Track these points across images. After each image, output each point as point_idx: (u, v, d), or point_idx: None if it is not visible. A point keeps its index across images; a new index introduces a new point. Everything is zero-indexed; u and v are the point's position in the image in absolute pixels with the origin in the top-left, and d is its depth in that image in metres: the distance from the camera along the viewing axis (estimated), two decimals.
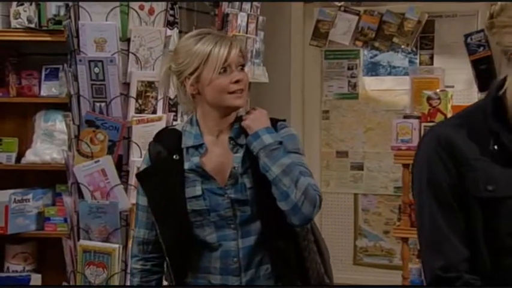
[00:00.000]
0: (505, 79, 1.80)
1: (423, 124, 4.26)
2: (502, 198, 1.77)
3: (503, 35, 1.74)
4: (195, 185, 2.41)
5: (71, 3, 3.48)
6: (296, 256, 2.46)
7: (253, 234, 2.42)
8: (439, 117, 4.23)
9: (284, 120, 2.54)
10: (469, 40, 5.03)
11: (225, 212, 2.41)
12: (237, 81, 2.40)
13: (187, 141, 2.45)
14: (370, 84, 5.53)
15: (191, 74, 2.41)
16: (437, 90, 4.31)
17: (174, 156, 2.43)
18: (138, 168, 3.36)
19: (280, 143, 2.40)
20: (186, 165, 2.42)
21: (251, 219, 2.41)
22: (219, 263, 2.42)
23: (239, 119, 2.47)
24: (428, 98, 4.26)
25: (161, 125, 3.49)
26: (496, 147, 1.79)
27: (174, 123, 3.59)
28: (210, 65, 2.38)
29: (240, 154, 2.43)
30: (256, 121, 2.43)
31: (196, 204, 2.40)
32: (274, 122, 2.49)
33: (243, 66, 2.45)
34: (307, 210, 2.35)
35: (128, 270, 3.41)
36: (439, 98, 4.24)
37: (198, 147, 2.44)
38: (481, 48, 5.00)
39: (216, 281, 2.44)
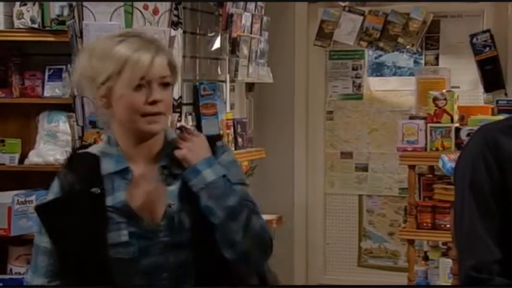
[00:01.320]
0: None
1: (429, 125, 4.25)
2: None
3: None
4: (120, 228, 1.94)
5: (74, 3, 3.46)
6: None
7: (189, 283, 1.98)
8: (446, 118, 4.22)
9: (220, 138, 2.12)
10: (474, 40, 5.02)
11: (156, 258, 1.96)
12: (153, 102, 1.91)
13: (108, 167, 1.98)
14: (374, 85, 5.51)
15: (103, 83, 1.92)
16: (444, 91, 4.29)
17: (93, 190, 1.94)
18: None
19: (224, 176, 1.96)
20: (109, 201, 1.95)
21: (187, 265, 1.97)
22: None
23: (170, 144, 2.00)
24: (435, 99, 4.24)
25: None
26: None
27: (178, 124, 3.55)
28: (125, 76, 1.90)
29: (176, 187, 1.98)
30: (194, 151, 1.97)
31: (122, 252, 1.94)
32: (212, 142, 2.03)
33: (168, 84, 1.96)
34: (257, 257, 1.98)
35: None
36: (445, 99, 4.22)
37: (122, 173, 1.97)
38: (487, 48, 4.99)
39: None
